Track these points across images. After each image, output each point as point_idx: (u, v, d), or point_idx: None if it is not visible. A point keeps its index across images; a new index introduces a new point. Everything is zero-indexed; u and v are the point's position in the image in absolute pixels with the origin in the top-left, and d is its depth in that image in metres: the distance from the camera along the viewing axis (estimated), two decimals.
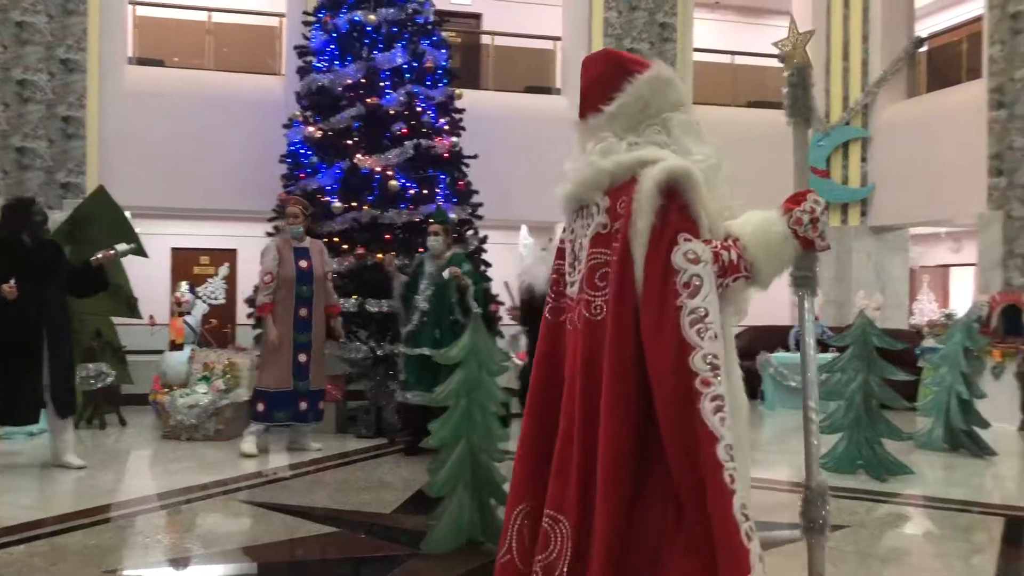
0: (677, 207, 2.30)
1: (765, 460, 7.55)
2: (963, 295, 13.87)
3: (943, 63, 11.83)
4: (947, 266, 15.10)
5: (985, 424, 7.40)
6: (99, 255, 6.36)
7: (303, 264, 7.12)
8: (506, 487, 4.53)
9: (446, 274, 6.84)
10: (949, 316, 9.97)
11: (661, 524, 2.28)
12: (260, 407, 7.04)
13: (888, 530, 4.96)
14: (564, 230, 2.59)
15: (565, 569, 2.30)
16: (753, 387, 10.60)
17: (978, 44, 10.26)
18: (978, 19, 10.45)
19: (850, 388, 6.51)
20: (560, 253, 2.63)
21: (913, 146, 10.91)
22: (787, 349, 10.53)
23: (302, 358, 7.08)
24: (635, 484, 2.28)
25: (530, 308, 7.18)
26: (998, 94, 9.69)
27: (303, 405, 7.09)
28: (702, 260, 2.27)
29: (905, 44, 11.68)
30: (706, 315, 2.23)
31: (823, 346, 10.11)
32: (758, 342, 10.95)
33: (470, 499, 4.39)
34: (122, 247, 6.56)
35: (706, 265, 2.27)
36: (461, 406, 4.36)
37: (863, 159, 11.89)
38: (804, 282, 2.59)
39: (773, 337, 10.96)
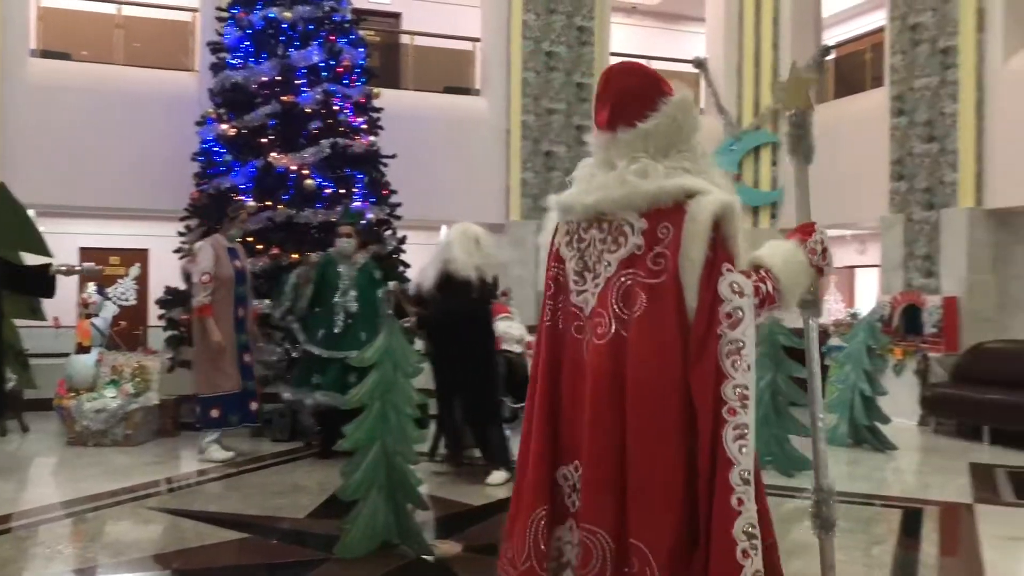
0: (722, 239, 2.42)
1: None
2: (868, 295, 14.39)
3: (849, 71, 12.27)
4: (853, 267, 15.64)
5: (886, 420, 7.70)
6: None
7: (237, 264, 7.06)
8: (422, 489, 4.55)
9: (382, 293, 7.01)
10: (854, 315, 10.36)
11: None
12: (215, 413, 6.87)
13: (795, 524, 5.11)
14: (565, 235, 2.65)
15: None
16: None
17: (881, 53, 10.65)
18: (881, 29, 10.86)
19: (759, 387, 6.69)
20: (557, 257, 2.68)
21: (820, 151, 11.14)
22: None
23: (247, 358, 7.05)
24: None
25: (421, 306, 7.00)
26: (899, 102, 10.09)
27: (253, 405, 7.08)
28: (745, 293, 2.40)
29: (813, 52, 12.06)
30: (743, 347, 2.35)
31: None
32: None
33: (385, 502, 4.37)
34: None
35: (748, 298, 2.40)
36: (375, 408, 4.34)
37: (773, 163, 12.24)
38: (811, 305, 2.78)
39: None
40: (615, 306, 2.48)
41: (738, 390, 2.32)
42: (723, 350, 2.34)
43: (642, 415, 2.40)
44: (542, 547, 2.54)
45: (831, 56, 12.28)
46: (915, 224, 9.86)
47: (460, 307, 6.18)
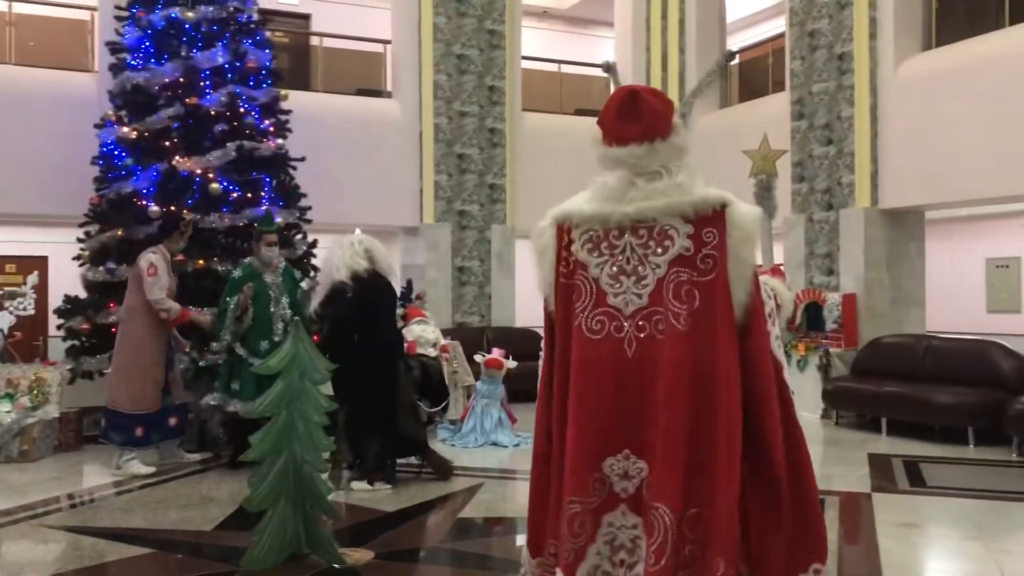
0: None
1: None
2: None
3: (752, 76, 12.62)
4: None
5: None
6: None
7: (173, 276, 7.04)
8: (332, 497, 4.49)
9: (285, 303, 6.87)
10: None
11: (758, 507, 2.79)
12: (139, 432, 6.72)
13: None
14: (587, 243, 2.92)
15: (670, 551, 2.64)
16: None
17: (782, 59, 11.00)
18: (781, 35, 11.21)
19: None
20: (577, 264, 2.92)
21: (725, 154, 11.53)
22: None
23: (168, 374, 7.00)
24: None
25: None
26: (799, 106, 10.44)
27: (172, 420, 6.99)
28: (770, 296, 3.04)
29: (718, 57, 12.39)
30: (779, 340, 2.99)
31: None
32: None
33: (294, 512, 4.30)
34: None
35: (771, 301, 3.06)
36: (283, 417, 4.27)
37: None
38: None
39: None
40: (671, 303, 2.79)
41: (787, 376, 2.95)
42: (774, 344, 2.92)
43: (707, 398, 2.73)
44: (586, 535, 2.79)
45: (735, 61, 12.63)
46: (816, 224, 10.22)
47: (337, 313, 6.13)
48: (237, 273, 6.93)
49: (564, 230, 3.00)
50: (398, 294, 6.99)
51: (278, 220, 8.19)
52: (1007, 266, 12.55)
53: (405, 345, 8.61)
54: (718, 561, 2.63)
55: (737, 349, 2.77)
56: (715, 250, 2.79)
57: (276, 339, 6.63)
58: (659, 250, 2.83)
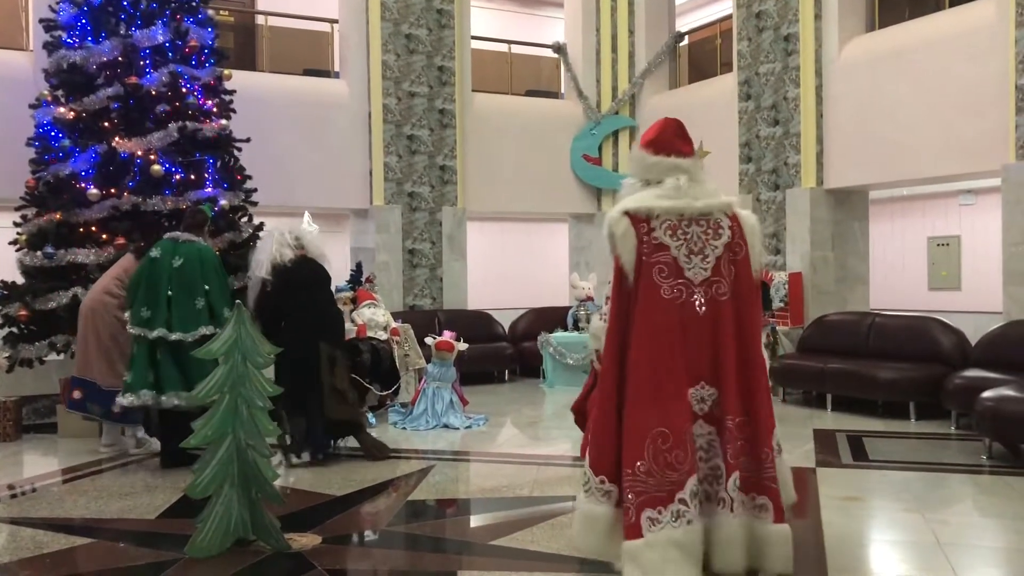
0: None
1: (547, 436, 7.85)
2: None
3: (700, 57, 12.69)
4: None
5: None
6: None
7: None
8: (278, 483, 4.44)
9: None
10: None
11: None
12: (116, 408, 6.56)
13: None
14: (667, 229, 3.86)
15: (740, 450, 3.83)
16: (535, 366, 10.97)
17: (730, 40, 11.07)
18: (729, 17, 11.27)
19: None
20: (659, 246, 3.84)
21: None
22: (565, 329, 10.96)
23: None
24: None
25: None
26: (746, 87, 10.53)
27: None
28: None
29: (667, 38, 12.42)
30: None
31: None
32: (538, 323, 11.35)
33: (238, 498, 4.25)
34: None
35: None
36: (225, 402, 4.20)
37: (631, 147, 12.53)
38: None
39: (553, 318, 11.39)
40: (726, 275, 3.89)
41: None
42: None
43: (745, 343, 3.89)
44: (690, 444, 3.78)
45: (684, 42, 12.68)
46: (762, 204, 10.34)
47: (258, 308, 6.28)
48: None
49: (641, 219, 3.87)
50: (330, 277, 6.88)
51: (222, 203, 8.08)
52: (947, 244, 12.84)
53: (355, 328, 8.56)
54: (764, 450, 3.87)
55: (759, 308, 4.07)
56: (740, 239, 3.94)
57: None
58: (716, 237, 3.91)
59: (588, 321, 10.73)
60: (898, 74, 9.04)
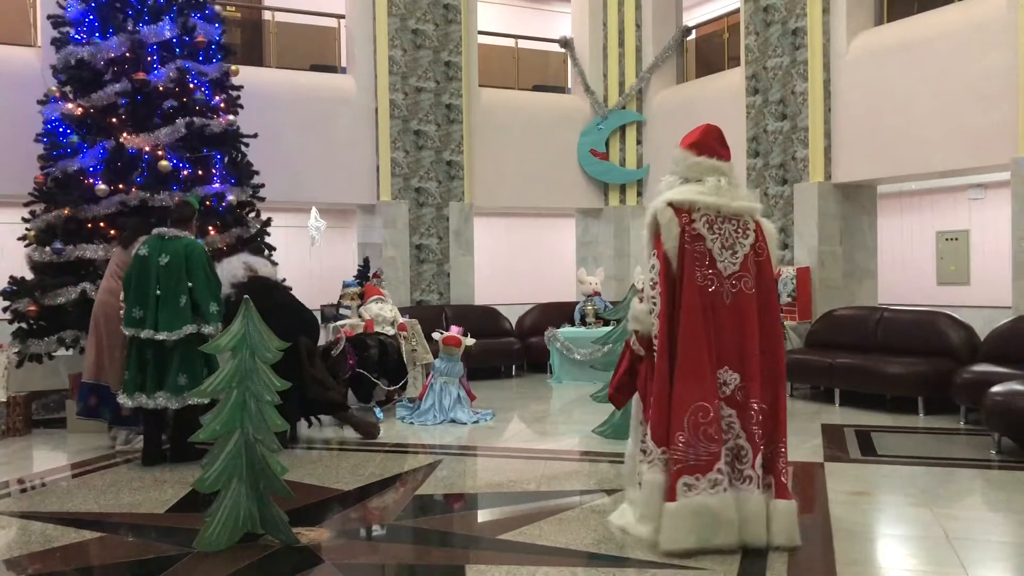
0: None
1: (554, 431, 7.85)
2: None
3: (708, 51, 12.65)
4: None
5: None
6: None
7: None
8: (286, 477, 4.45)
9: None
10: None
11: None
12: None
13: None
14: (705, 223, 4.25)
15: (763, 432, 4.24)
16: (542, 361, 10.96)
17: (738, 34, 11.03)
18: (737, 11, 11.23)
19: None
20: (697, 236, 4.23)
21: (682, 129, 11.53)
22: (572, 324, 10.96)
23: None
24: None
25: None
26: (754, 81, 10.49)
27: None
28: None
29: (674, 33, 12.39)
30: None
31: (603, 320, 10.63)
32: (545, 318, 11.34)
33: (247, 492, 4.26)
34: None
35: None
36: (234, 396, 4.21)
37: (639, 142, 12.53)
38: None
39: (560, 313, 11.39)
40: (751, 272, 4.30)
41: None
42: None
43: (767, 334, 4.32)
44: (721, 422, 4.18)
45: (691, 37, 12.64)
46: (770, 199, 10.31)
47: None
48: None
49: (684, 211, 4.25)
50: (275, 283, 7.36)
51: (230, 199, 8.09)
52: (956, 239, 12.78)
53: (362, 323, 8.58)
54: (782, 439, 4.31)
55: (778, 304, 4.69)
56: (762, 243, 4.36)
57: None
58: (744, 236, 4.32)
59: (595, 316, 10.75)
60: (907, 68, 8.99)
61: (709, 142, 4.48)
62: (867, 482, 5.60)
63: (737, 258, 4.27)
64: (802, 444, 6.79)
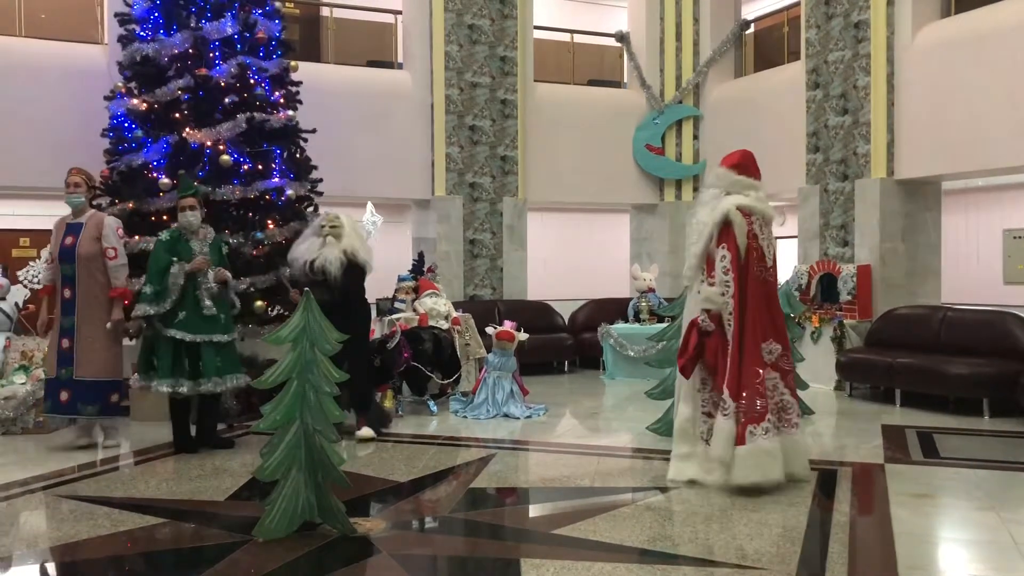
0: None
1: (607, 428, 7.82)
2: (786, 265, 14.72)
3: (767, 45, 12.45)
4: (776, 238, 15.99)
5: (804, 386, 7.91)
6: None
7: (68, 240, 6.61)
8: (344, 468, 4.50)
9: (211, 277, 6.49)
10: None
11: None
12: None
13: (714, 490, 5.22)
14: (759, 227, 5.33)
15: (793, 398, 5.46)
16: (595, 357, 10.93)
17: (798, 28, 10.84)
18: (797, 3, 11.04)
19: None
20: (756, 237, 5.30)
21: (740, 124, 11.45)
22: (626, 320, 10.90)
23: (64, 343, 6.55)
24: None
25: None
26: (815, 75, 10.30)
27: (63, 395, 6.51)
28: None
29: (732, 26, 12.22)
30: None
31: (658, 316, 10.55)
32: (598, 314, 11.30)
33: (305, 482, 4.32)
34: None
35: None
36: (294, 387, 4.27)
37: (695, 137, 12.40)
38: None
39: (613, 309, 11.33)
40: (776, 266, 5.42)
41: None
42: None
43: (778, 311, 5.51)
44: (768, 383, 5.26)
45: (750, 30, 12.46)
46: (830, 195, 10.12)
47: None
48: (164, 236, 6.56)
49: (747, 214, 5.28)
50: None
51: (289, 193, 8.19)
52: None
53: (417, 317, 8.64)
54: (795, 398, 5.46)
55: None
56: (771, 240, 5.44)
57: (205, 312, 6.37)
58: (773, 235, 5.44)
59: (649, 313, 10.68)
60: (974, 60, 8.75)
61: (748, 164, 5.53)
62: (930, 485, 5.47)
63: (770, 252, 5.38)
64: (862, 445, 6.67)
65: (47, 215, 11.43)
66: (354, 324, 6.54)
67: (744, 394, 5.13)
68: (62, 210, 7.11)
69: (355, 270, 6.97)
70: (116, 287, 6.68)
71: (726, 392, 5.18)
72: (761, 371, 5.18)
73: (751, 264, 5.26)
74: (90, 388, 6.56)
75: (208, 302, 6.41)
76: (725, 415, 5.16)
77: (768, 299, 5.35)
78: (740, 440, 5.11)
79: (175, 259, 6.35)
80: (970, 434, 7.12)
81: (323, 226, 6.95)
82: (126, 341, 7.11)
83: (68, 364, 6.54)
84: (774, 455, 5.13)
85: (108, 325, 6.65)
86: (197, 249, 6.49)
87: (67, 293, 6.59)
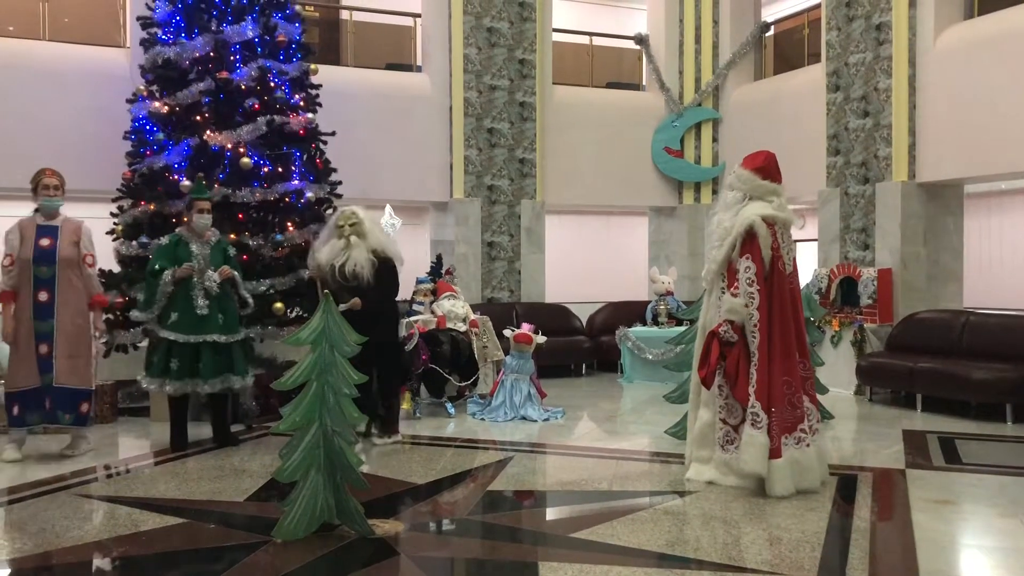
0: None
1: (625, 431, 7.80)
2: (806, 268, 14.63)
3: (787, 47, 12.39)
4: (795, 241, 15.92)
5: (824, 390, 7.84)
6: None
7: (45, 243, 6.34)
8: (362, 469, 4.51)
9: (216, 277, 6.50)
10: None
11: None
12: (15, 410, 6.30)
13: (732, 493, 5.20)
14: (782, 235, 5.32)
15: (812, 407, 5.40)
16: (613, 360, 10.90)
17: (818, 30, 10.78)
18: (818, 6, 10.98)
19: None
20: (778, 247, 5.28)
21: (760, 127, 11.40)
22: (644, 323, 10.87)
23: (43, 349, 6.30)
24: None
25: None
26: (835, 77, 10.24)
27: (47, 403, 6.34)
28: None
29: (752, 28, 12.17)
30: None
31: (676, 319, 10.51)
32: (616, 317, 11.27)
33: (324, 484, 4.33)
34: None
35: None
36: (313, 388, 4.29)
37: (714, 139, 12.35)
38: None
39: (631, 312, 11.30)
40: (796, 271, 5.46)
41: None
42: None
43: (801, 317, 5.49)
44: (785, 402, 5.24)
45: (770, 32, 12.40)
46: (851, 198, 10.05)
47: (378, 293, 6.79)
48: (165, 240, 6.70)
49: (770, 224, 5.25)
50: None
51: (308, 195, 8.22)
52: None
53: (435, 319, 8.65)
54: (815, 404, 5.45)
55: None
56: (791, 246, 5.40)
57: (198, 312, 6.42)
58: (793, 246, 5.40)
59: (668, 316, 10.65)
60: (997, 63, 8.66)
61: (770, 168, 5.44)
62: (951, 491, 5.41)
63: (790, 258, 5.34)
64: (882, 450, 6.61)
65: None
66: (384, 328, 6.59)
67: (774, 408, 5.13)
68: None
69: (388, 268, 6.83)
70: (96, 294, 6.61)
71: (757, 405, 5.15)
72: (793, 380, 5.20)
73: (775, 274, 5.25)
74: (67, 396, 6.38)
75: (202, 302, 6.46)
76: (758, 427, 5.13)
77: (795, 309, 5.35)
78: (776, 454, 5.11)
79: (164, 268, 6.48)
80: (993, 440, 7.04)
81: (341, 225, 6.72)
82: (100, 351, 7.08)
83: (48, 371, 6.33)
84: (809, 466, 5.20)
85: (96, 334, 6.60)
86: (197, 252, 6.58)
87: (43, 296, 6.30)
